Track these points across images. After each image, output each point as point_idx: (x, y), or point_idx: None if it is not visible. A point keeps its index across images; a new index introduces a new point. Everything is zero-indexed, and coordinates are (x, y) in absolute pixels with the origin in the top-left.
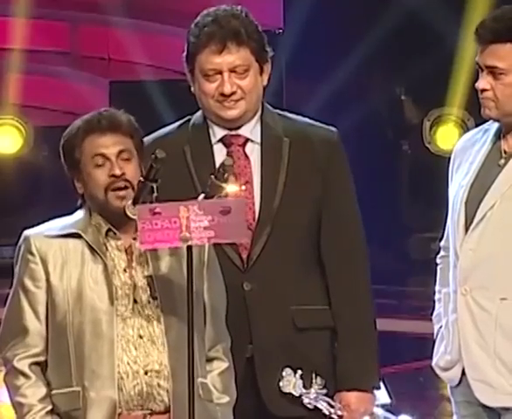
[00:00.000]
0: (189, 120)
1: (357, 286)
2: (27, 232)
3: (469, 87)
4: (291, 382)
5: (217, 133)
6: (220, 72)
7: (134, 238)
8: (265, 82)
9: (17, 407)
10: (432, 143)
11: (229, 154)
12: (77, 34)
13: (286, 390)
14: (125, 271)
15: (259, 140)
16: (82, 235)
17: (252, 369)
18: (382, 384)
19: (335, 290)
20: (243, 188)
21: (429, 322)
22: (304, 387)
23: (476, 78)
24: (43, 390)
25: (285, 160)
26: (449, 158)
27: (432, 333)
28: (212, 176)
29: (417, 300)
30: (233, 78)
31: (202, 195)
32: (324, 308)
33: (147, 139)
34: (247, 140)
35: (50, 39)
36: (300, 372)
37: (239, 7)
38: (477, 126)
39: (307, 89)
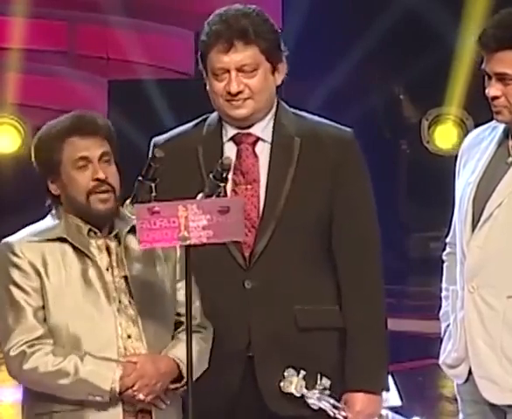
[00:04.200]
0: (205, 118)
1: (369, 286)
2: (6, 240)
3: (468, 86)
4: (293, 383)
5: (229, 131)
6: (228, 71)
7: (110, 239)
8: (278, 81)
9: (58, 375)
10: (430, 142)
11: (238, 153)
12: (75, 33)
13: (286, 390)
14: (107, 270)
15: (269, 139)
16: (68, 239)
17: (253, 368)
18: (394, 386)
19: (345, 289)
20: (249, 187)
21: (428, 321)
22: (306, 387)
23: (479, 80)
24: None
25: (294, 159)
26: (448, 157)
27: (431, 333)
28: (211, 175)
29: (416, 299)
30: (241, 77)
31: (200, 195)
32: (331, 309)
33: (161, 137)
34: (258, 139)
35: (48, 38)
36: (303, 372)
37: (253, 6)
38: (476, 125)
39: (306, 88)
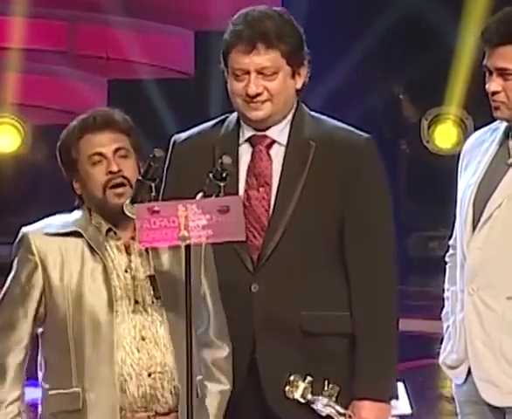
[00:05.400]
0: (225, 118)
1: (380, 293)
2: (25, 229)
3: (468, 86)
4: (298, 388)
5: (246, 133)
6: (248, 73)
7: (133, 238)
8: (298, 85)
9: None
10: (430, 142)
11: (253, 155)
12: (75, 33)
13: (290, 396)
14: (126, 271)
15: (285, 142)
16: (82, 233)
17: (257, 370)
18: (404, 393)
19: (355, 295)
20: (260, 189)
21: (428, 321)
22: (312, 393)
23: (479, 79)
24: (15, 394)
25: (308, 164)
26: (447, 157)
27: (431, 332)
28: (210, 175)
29: (415, 299)
30: (260, 79)
31: (200, 194)
32: (338, 314)
33: (181, 135)
34: (274, 141)
35: (48, 38)
36: (309, 378)
37: (279, 8)
38: (475, 124)
39: (306, 88)
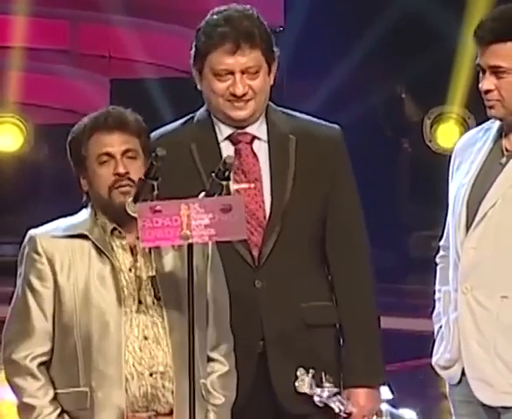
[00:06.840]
0: (192, 117)
1: (360, 284)
2: (32, 232)
3: (470, 85)
4: (305, 382)
5: (224, 131)
6: (232, 73)
7: (138, 238)
8: (271, 81)
9: (26, 408)
10: (432, 141)
11: (237, 152)
12: (77, 32)
13: (301, 390)
14: (130, 270)
15: (265, 137)
16: (89, 235)
17: (265, 365)
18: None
19: (338, 287)
20: (252, 185)
21: (428, 320)
22: (316, 385)
23: (477, 78)
24: (52, 392)
25: (292, 157)
26: (450, 156)
27: (432, 331)
28: (213, 174)
29: (416, 298)
30: (245, 78)
31: (202, 193)
32: (331, 305)
33: (151, 135)
34: (254, 137)
35: (50, 37)
36: (312, 371)
37: (249, 7)
38: (478, 123)
39: (308, 87)
